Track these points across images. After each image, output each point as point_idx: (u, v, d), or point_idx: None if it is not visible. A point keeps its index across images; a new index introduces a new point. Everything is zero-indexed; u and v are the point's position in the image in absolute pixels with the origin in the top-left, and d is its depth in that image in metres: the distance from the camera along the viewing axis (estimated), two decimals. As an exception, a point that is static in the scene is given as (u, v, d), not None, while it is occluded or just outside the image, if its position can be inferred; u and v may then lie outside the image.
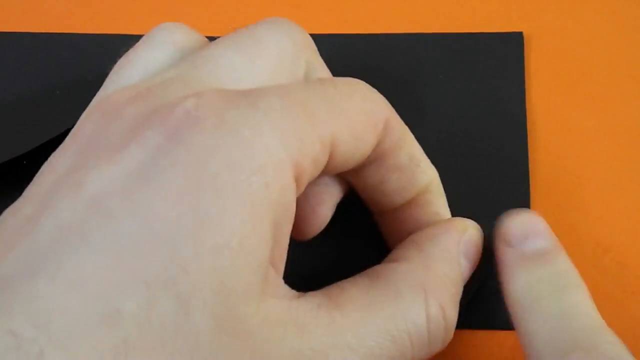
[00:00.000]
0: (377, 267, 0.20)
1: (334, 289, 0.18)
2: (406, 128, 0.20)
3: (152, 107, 0.16)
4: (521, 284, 0.20)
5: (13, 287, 0.14)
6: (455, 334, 0.20)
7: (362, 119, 0.18)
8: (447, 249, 0.20)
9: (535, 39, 0.27)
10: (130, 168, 0.15)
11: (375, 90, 0.19)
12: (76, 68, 0.28)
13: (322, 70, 0.21)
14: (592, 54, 0.27)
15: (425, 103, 0.26)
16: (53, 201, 0.15)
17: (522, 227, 0.21)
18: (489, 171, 0.25)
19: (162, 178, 0.15)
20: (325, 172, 0.18)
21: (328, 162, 0.18)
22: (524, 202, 0.24)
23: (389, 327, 0.17)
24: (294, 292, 0.17)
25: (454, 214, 0.23)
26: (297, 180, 0.17)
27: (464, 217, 0.22)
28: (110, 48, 0.28)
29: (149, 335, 0.14)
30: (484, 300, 0.22)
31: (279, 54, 0.19)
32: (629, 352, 0.18)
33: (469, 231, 0.21)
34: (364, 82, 0.19)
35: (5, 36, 0.28)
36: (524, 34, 0.27)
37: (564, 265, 0.20)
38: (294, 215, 0.17)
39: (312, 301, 0.17)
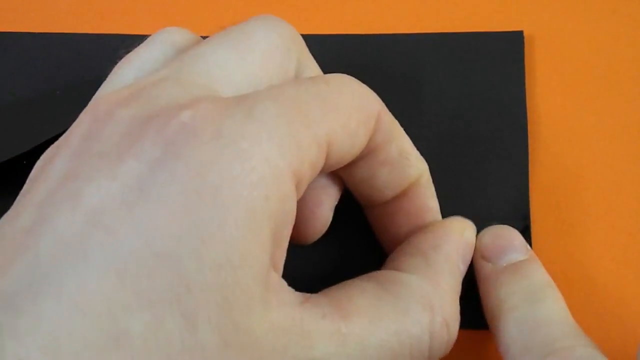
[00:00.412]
0: (386, 275, 0.20)
1: (341, 296, 0.18)
2: (395, 121, 0.20)
3: (146, 111, 0.16)
4: (498, 296, 0.21)
5: (17, 307, 0.14)
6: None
7: (355, 115, 0.18)
8: (449, 256, 0.20)
9: (535, 38, 0.27)
10: (128, 182, 0.15)
11: (365, 85, 0.19)
12: (76, 68, 0.28)
13: (312, 66, 0.20)
14: (592, 53, 0.27)
15: (425, 103, 0.26)
16: (51, 213, 0.15)
17: (498, 242, 0.22)
18: (489, 171, 0.25)
19: (162, 194, 0.15)
20: (320, 171, 0.18)
21: (326, 160, 0.18)
22: (524, 202, 0.24)
23: (391, 342, 0.17)
24: (297, 295, 0.17)
25: (454, 213, 0.23)
26: (297, 185, 0.17)
27: (464, 217, 0.23)
28: (110, 48, 0.28)
29: (157, 355, 0.14)
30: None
31: (268, 49, 0.19)
32: (602, 354, 0.18)
33: (465, 234, 0.21)
34: (353, 78, 0.19)
35: (5, 36, 0.29)
36: (525, 33, 0.27)
37: (538, 276, 0.21)
38: (294, 218, 0.17)
39: (317, 310, 0.17)
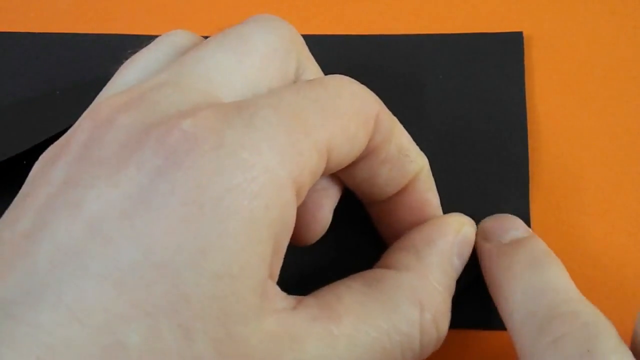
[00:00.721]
0: (376, 273, 0.20)
1: (330, 297, 0.18)
2: (394, 118, 0.20)
3: (147, 118, 0.16)
4: (501, 267, 0.21)
5: (15, 315, 0.14)
6: (453, 334, 0.20)
7: (354, 119, 0.18)
8: (442, 252, 0.20)
9: (535, 38, 0.27)
10: (129, 191, 0.15)
11: (363, 86, 0.19)
12: (76, 68, 0.28)
13: (312, 67, 0.20)
14: (592, 54, 0.27)
15: (425, 103, 0.26)
16: (50, 219, 0.15)
17: (498, 223, 0.22)
18: (489, 171, 0.25)
19: (162, 204, 0.15)
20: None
21: (327, 165, 0.18)
22: (524, 202, 0.24)
23: (382, 341, 0.18)
24: (290, 299, 0.17)
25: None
26: (297, 193, 0.17)
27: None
28: (110, 48, 0.28)
29: None
30: (483, 300, 0.22)
31: (267, 51, 0.18)
32: (607, 320, 0.18)
33: (463, 230, 0.21)
34: (351, 79, 0.19)
35: (5, 36, 0.29)
36: (524, 33, 0.27)
37: (539, 247, 0.21)
38: (293, 226, 0.17)
39: (307, 313, 0.17)
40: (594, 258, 0.24)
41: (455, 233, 0.21)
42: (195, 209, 0.15)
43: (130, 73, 0.19)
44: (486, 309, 0.22)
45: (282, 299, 0.17)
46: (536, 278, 0.20)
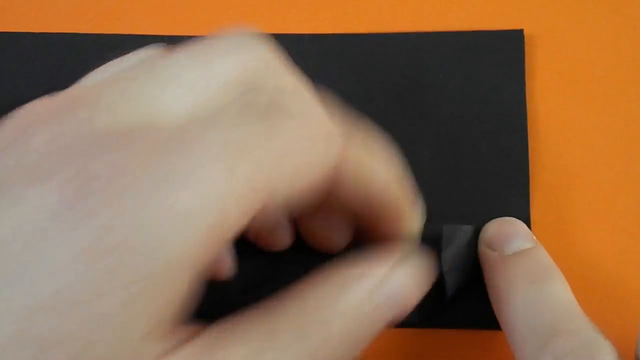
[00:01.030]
0: (277, 299, 0.17)
1: (228, 324, 0.16)
2: (372, 146, 0.18)
3: (72, 132, 0.15)
4: (502, 279, 0.21)
5: None
6: (453, 334, 0.20)
7: (307, 157, 0.16)
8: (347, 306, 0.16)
9: (535, 37, 0.27)
10: (34, 214, 0.13)
11: (332, 120, 0.17)
12: (76, 68, 0.28)
13: (286, 85, 0.17)
14: (592, 53, 0.27)
15: (425, 102, 0.26)
16: None
17: (502, 231, 0.22)
18: (489, 171, 0.25)
19: (69, 232, 0.13)
20: (267, 214, 0.16)
21: (267, 204, 0.16)
22: (524, 202, 0.24)
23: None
24: (188, 331, 0.15)
25: (454, 213, 0.23)
26: (222, 229, 0.15)
27: (463, 217, 0.22)
28: (110, 48, 0.28)
29: None
30: (483, 300, 0.22)
31: (228, 75, 0.16)
32: (605, 338, 0.19)
33: (399, 269, 0.17)
34: (321, 103, 0.17)
35: (5, 36, 0.29)
36: (525, 32, 0.27)
37: (542, 260, 0.21)
38: (212, 261, 0.15)
39: (197, 344, 0.15)
40: (594, 258, 0.24)
41: (379, 276, 0.17)
42: (104, 245, 0.13)
43: (88, 82, 0.18)
44: (486, 309, 0.22)
45: (175, 339, 0.15)
46: (538, 293, 0.20)
